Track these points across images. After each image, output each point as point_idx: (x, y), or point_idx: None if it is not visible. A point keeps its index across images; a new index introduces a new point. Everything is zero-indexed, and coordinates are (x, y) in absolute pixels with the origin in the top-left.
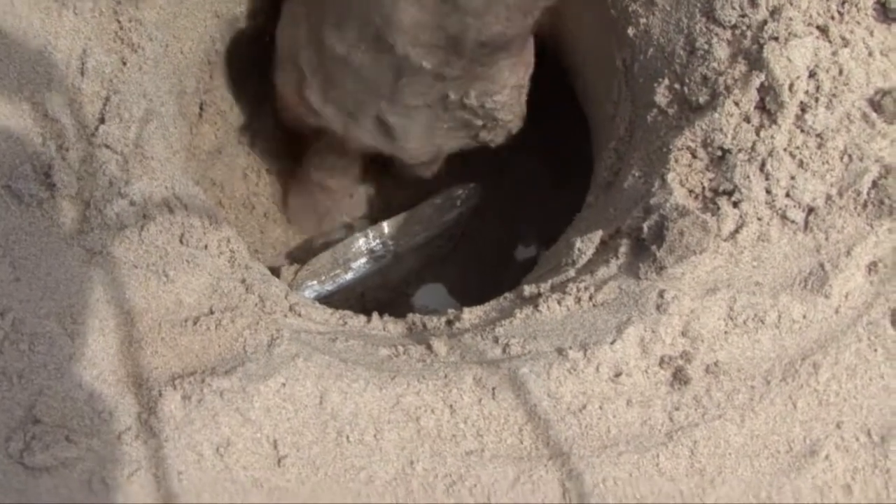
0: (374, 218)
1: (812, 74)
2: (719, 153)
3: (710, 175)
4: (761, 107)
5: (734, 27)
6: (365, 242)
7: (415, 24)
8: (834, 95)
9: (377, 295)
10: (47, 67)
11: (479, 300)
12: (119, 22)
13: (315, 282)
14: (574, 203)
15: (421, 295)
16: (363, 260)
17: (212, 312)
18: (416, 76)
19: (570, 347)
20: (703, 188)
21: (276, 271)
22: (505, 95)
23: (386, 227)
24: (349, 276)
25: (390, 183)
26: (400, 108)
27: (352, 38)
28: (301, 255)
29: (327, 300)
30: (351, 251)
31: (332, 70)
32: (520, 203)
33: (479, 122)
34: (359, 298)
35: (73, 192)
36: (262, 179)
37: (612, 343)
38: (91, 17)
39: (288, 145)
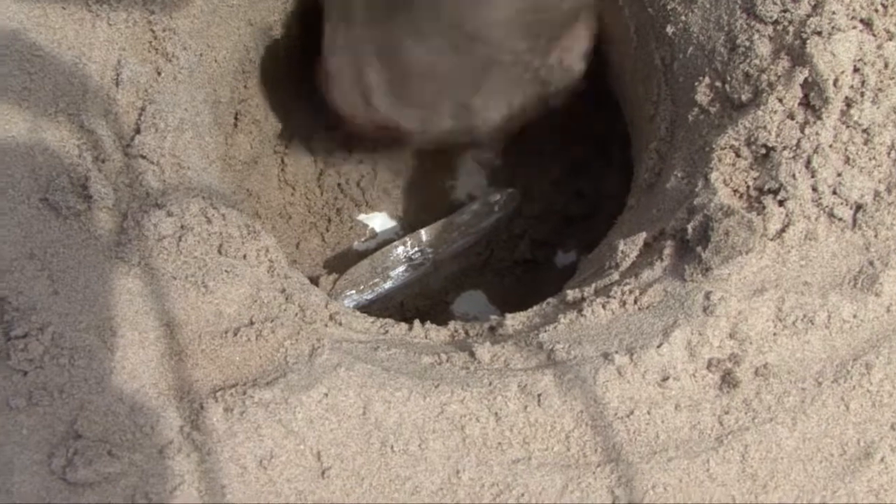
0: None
1: (857, 69)
2: (763, 151)
3: (755, 174)
4: (805, 103)
5: (776, 23)
6: (403, 250)
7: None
8: (880, 90)
9: (416, 303)
10: (82, 79)
11: (518, 307)
12: (153, 31)
13: (354, 291)
14: (613, 207)
15: (460, 302)
16: (402, 268)
17: (252, 323)
18: (503, 64)
19: (616, 352)
20: (748, 187)
21: (314, 281)
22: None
23: (424, 234)
24: (388, 284)
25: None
26: (484, 92)
27: (437, 46)
28: (339, 265)
29: (366, 309)
30: (389, 259)
31: (408, 77)
32: (558, 208)
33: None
34: (398, 307)
35: (111, 203)
36: (298, 190)
37: (658, 347)
38: (125, 28)
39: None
